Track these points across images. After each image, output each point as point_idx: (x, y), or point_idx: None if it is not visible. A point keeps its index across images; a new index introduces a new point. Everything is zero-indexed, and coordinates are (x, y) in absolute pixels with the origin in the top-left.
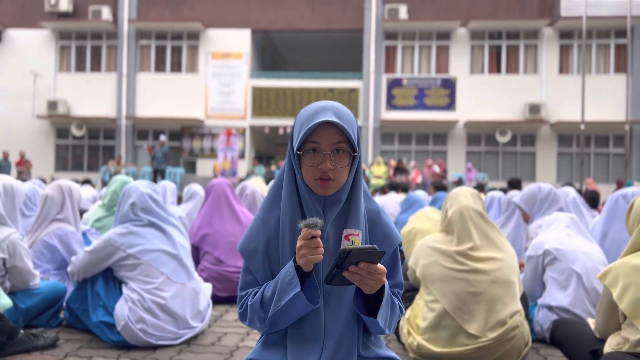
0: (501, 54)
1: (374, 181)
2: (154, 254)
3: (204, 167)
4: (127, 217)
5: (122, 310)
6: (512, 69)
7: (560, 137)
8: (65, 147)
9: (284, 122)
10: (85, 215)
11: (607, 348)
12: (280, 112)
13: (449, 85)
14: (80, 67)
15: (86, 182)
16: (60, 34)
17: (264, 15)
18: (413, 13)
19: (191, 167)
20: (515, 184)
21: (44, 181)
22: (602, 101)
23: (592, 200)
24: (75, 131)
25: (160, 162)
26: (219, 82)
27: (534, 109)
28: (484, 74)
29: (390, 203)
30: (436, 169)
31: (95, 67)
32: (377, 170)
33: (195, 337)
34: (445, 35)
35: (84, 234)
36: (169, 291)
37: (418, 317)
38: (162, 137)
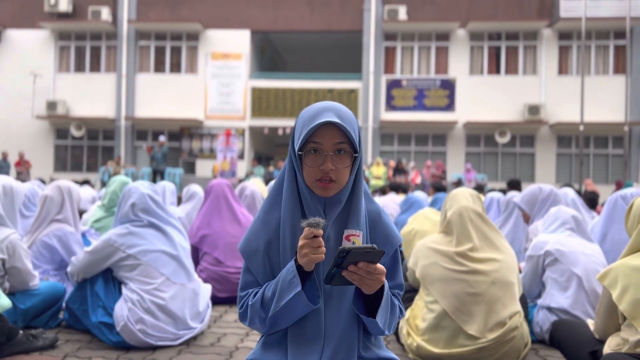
0: (500, 55)
1: (373, 182)
2: (154, 255)
3: (203, 167)
4: (127, 218)
5: (122, 310)
6: (512, 70)
7: (560, 138)
8: (64, 148)
9: (283, 123)
10: (84, 216)
11: (607, 349)
12: (279, 112)
13: (448, 86)
14: (79, 68)
15: (85, 182)
16: (59, 34)
17: (263, 16)
18: (412, 14)
19: (190, 168)
20: (514, 185)
21: (43, 182)
22: (601, 102)
23: (591, 201)
24: (74, 132)
25: (159, 162)
26: (218, 83)
27: (533, 109)
28: (483, 74)
29: (389, 204)
30: (433, 171)
31: (95, 67)
32: (376, 171)
33: (194, 337)
34: (444, 36)
35: (83, 235)
36: (169, 292)
37: (417, 318)
38: (162, 138)
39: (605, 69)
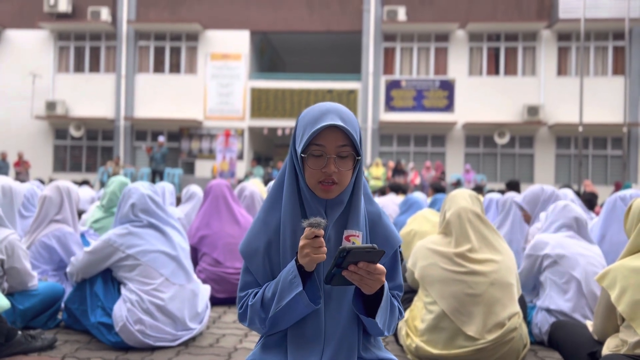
0: (499, 56)
1: (372, 182)
2: (153, 255)
3: (203, 168)
4: (127, 218)
5: (121, 311)
6: (511, 70)
7: (559, 138)
8: (63, 148)
9: (282, 124)
10: (83, 216)
11: (605, 350)
12: (279, 113)
13: (448, 86)
14: (79, 68)
15: (84, 182)
16: (59, 34)
17: (263, 16)
18: (412, 15)
19: (190, 168)
20: (513, 186)
21: (42, 182)
22: (600, 103)
23: (589, 202)
24: (73, 132)
25: (158, 163)
26: (217, 83)
27: (532, 110)
28: (482, 75)
29: (389, 204)
30: (432, 172)
31: (94, 67)
32: (375, 172)
33: (193, 338)
34: (443, 37)
35: (82, 235)
36: (168, 292)
37: (416, 319)
38: (161, 138)
39: (604, 70)
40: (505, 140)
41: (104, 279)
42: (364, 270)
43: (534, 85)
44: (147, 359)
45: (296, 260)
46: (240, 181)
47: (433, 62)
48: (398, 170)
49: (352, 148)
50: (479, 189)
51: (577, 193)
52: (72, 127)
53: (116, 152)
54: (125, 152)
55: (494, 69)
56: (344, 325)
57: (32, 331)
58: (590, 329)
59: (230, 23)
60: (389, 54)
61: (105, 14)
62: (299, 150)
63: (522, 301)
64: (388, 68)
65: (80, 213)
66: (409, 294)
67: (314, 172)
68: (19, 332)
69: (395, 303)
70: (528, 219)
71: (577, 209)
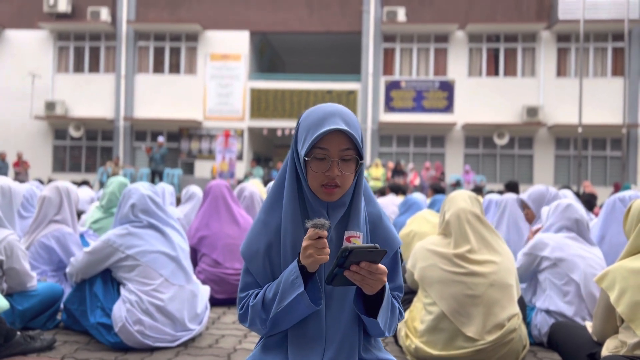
0: (499, 57)
1: (371, 183)
2: (153, 256)
3: (202, 168)
4: (127, 219)
5: (120, 311)
6: (510, 71)
7: (558, 139)
8: (63, 148)
9: (282, 124)
10: (82, 217)
11: (605, 351)
12: (278, 113)
13: (447, 87)
14: (78, 68)
15: (84, 183)
16: (58, 34)
17: (262, 17)
18: (411, 16)
19: (189, 169)
20: (512, 187)
21: (41, 182)
22: (600, 104)
23: (588, 203)
24: (73, 132)
25: (158, 163)
26: (217, 84)
27: (532, 111)
28: (482, 76)
29: (389, 205)
30: (432, 172)
31: (94, 68)
32: (375, 172)
33: (192, 339)
34: (443, 38)
35: (82, 236)
36: (167, 293)
37: (416, 319)
38: (160, 139)
39: (603, 71)
40: (504, 141)
41: (104, 280)
42: (365, 270)
43: (534, 86)
44: None
45: (298, 261)
46: (239, 182)
47: (433, 62)
48: (397, 171)
49: (355, 151)
50: (478, 190)
51: (577, 194)
52: (71, 128)
53: (115, 153)
54: (125, 153)
55: (493, 70)
56: (345, 326)
57: (31, 332)
58: (590, 330)
59: (229, 23)
60: (388, 55)
61: (104, 14)
62: (302, 153)
63: (521, 302)
64: (388, 69)
65: (79, 213)
66: (408, 295)
67: (317, 176)
68: (18, 333)
69: (396, 304)
70: (531, 217)
71: (580, 209)
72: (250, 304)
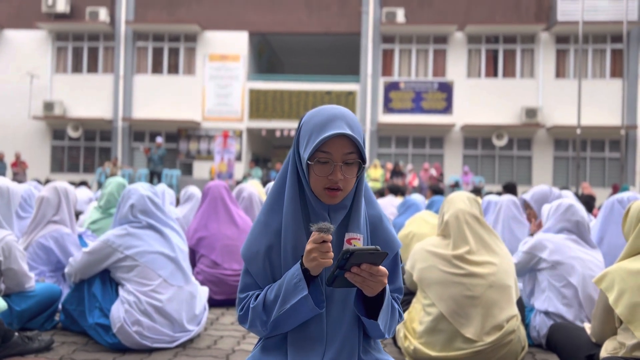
0: (498, 58)
1: (370, 184)
2: (152, 256)
3: (201, 169)
4: (126, 219)
5: (118, 312)
6: (509, 73)
7: (557, 141)
8: (61, 149)
9: (281, 125)
10: (80, 217)
11: (604, 353)
12: (277, 114)
13: (446, 88)
14: (76, 69)
15: (82, 183)
16: (57, 35)
17: (261, 17)
18: (410, 17)
19: (188, 169)
20: (510, 188)
21: (39, 182)
22: (598, 106)
23: (587, 204)
24: (71, 132)
25: (156, 164)
26: (216, 84)
27: (531, 113)
28: (480, 77)
29: (387, 206)
30: (433, 172)
31: (92, 68)
32: (373, 173)
33: (191, 340)
34: (442, 39)
35: (80, 236)
36: (166, 294)
37: (415, 321)
38: (159, 139)
39: (602, 72)
40: (503, 142)
41: (102, 280)
42: (366, 272)
43: (532, 87)
44: None
45: (301, 264)
46: (238, 182)
47: (432, 64)
48: (396, 172)
49: (357, 155)
50: (477, 191)
51: (576, 195)
52: (69, 128)
53: (114, 153)
54: (123, 153)
55: (492, 71)
56: (345, 327)
57: (29, 332)
58: (588, 331)
59: (228, 24)
60: (387, 56)
61: (103, 14)
62: (304, 156)
63: (520, 304)
64: (387, 70)
65: (77, 214)
66: (407, 296)
67: (320, 179)
68: (16, 334)
69: (396, 306)
70: (533, 217)
71: (581, 210)
72: (251, 305)
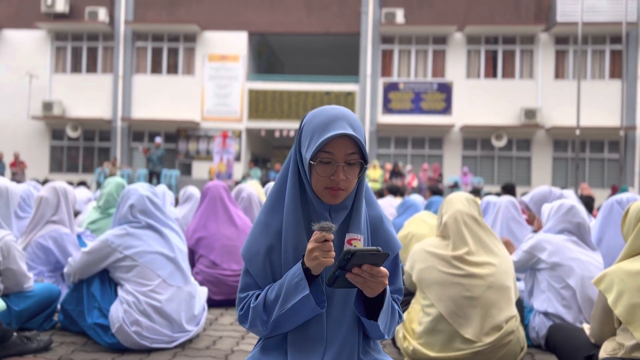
0: (497, 59)
1: (369, 185)
2: (151, 256)
3: (200, 169)
4: (126, 219)
5: (117, 312)
6: (508, 73)
7: (556, 142)
8: (60, 149)
9: (280, 125)
10: (78, 217)
11: (603, 354)
12: (276, 115)
13: (445, 89)
14: (76, 68)
15: (81, 184)
16: (56, 34)
17: (261, 18)
18: (410, 17)
19: (187, 170)
20: (508, 189)
21: (39, 182)
22: (598, 106)
23: (586, 205)
24: (70, 132)
25: (155, 164)
26: (215, 85)
27: (530, 113)
28: (480, 78)
29: (386, 207)
30: (430, 174)
31: (91, 68)
32: (372, 174)
33: (190, 340)
34: (441, 40)
35: (79, 236)
36: (165, 294)
37: (414, 321)
38: (158, 139)
39: (601, 73)
40: (502, 143)
41: (101, 280)
42: (367, 273)
43: (532, 88)
44: None
45: (302, 263)
46: (237, 183)
47: (431, 64)
48: (395, 173)
49: (360, 156)
50: (476, 192)
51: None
52: (68, 128)
53: (113, 153)
54: (122, 153)
55: (491, 72)
56: (345, 328)
57: (28, 332)
58: (587, 332)
59: (228, 24)
60: (387, 56)
61: (102, 14)
62: (307, 156)
63: (519, 304)
64: (386, 70)
65: (75, 214)
66: (405, 296)
67: (322, 179)
68: (15, 334)
69: (396, 306)
70: (533, 220)
71: (582, 212)
72: (251, 305)
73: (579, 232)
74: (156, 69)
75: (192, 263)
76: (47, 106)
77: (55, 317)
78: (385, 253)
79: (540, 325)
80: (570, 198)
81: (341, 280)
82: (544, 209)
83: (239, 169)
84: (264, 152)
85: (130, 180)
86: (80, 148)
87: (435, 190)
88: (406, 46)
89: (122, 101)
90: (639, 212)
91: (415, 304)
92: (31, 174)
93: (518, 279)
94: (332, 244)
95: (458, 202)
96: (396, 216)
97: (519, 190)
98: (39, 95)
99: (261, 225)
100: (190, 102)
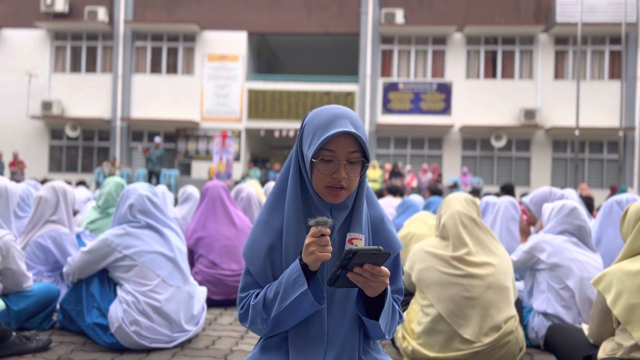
0: (497, 59)
1: (369, 185)
2: (150, 256)
3: (199, 169)
4: (125, 219)
5: (117, 312)
6: (508, 74)
7: (555, 142)
8: (59, 148)
9: (279, 125)
10: (77, 216)
11: (601, 354)
12: (276, 115)
13: (445, 89)
14: (75, 68)
15: (81, 183)
16: (55, 34)
17: (260, 17)
18: (409, 17)
19: (186, 169)
20: (507, 190)
21: (39, 182)
22: (597, 107)
23: (586, 205)
24: (69, 132)
25: (155, 164)
26: (214, 84)
27: (529, 114)
28: (479, 78)
29: (386, 207)
30: (429, 175)
31: (91, 68)
32: (372, 174)
33: (189, 340)
34: (441, 40)
35: (78, 236)
36: (164, 294)
37: (413, 321)
38: (157, 139)
39: (600, 74)
40: (502, 143)
41: (101, 280)
42: (368, 273)
43: (531, 88)
44: None
45: (300, 260)
46: (236, 183)
47: (430, 64)
48: (395, 173)
49: (361, 154)
50: (475, 192)
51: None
52: (68, 128)
53: (112, 153)
54: (122, 153)
55: (491, 72)
56: (346, 328)
57: (27, 332)
58: (586, 332)
59: (227, 24)
60: (386, 57)
61: (102, 14)
62: (308, 154)
63: (518, 304)
64: (385, 70)
65: (74, 213)
66: (405, 296)
67: (323, 177)
68: (14, 333)
69: (396, 306)
70: (533, 221)
71: (583, 214)
72: (251, 303)
73: (580, 234)
74: (155, 68)
75: (192, 263)
76: (46, 106)
77: (55, 317)
78: (386, 252)
79: (539, 325)
80: (572, 198)
81: (342, 280)
82: (545, 208)
83: (238, 169)
84: (263, 152)
85: (130, 180)
86: (79, 148)
87: (434, 190)
88: (406, 46)
89: (122, 101)
90: (638, 213)
91: (415, 304)
92: (30, 174)
93: (517, 279)
94: (329, 238)
95: (457, 203)
96: (396, 216)
97: (518, 190)
98: (38, 95)
99: (262, 224)
100: (190, 102)
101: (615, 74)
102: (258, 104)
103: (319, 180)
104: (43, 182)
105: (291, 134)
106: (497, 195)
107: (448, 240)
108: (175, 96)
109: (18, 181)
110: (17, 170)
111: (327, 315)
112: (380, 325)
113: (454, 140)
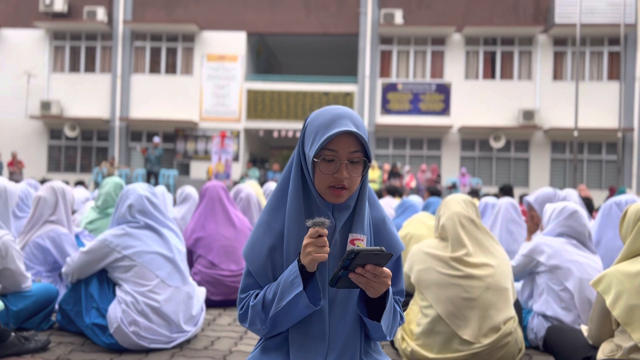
0: (496, 60)
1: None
2: (150, 257)
3: (198, 169)
4: (124, 219)
5: (115, 312)
6: (507, 75)
7: (554, 143)
8: (58, 148)
9: (278, 125)
10: (75, 216)
11: (600, 355)
12: (275, 115)
13: (444, 90)
14: (74, 68)
15: (79, 183)
16: (54, 34)
17: (259, 18)
18: (408, 18)
19: (185, 169)
20: (506, 191)
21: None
22: (596, 108)
23: (586, 206)
24: (68, 132)
25: (153, 164)
26: (213, 85)
27: (528, 115)
28: (478, 79)
29: (385, 208)
30: (428, 175)
31: (90, 67)
32: (371, 175)
33: (188, 341)
34: (440, 41)
35: (77, 236)
36: (163, 294)
37: (412, 322)
38: (156, 139)
39: (599, 75)
40: (500, 144)
41: (100, 280)
42: (370, 273)
43: (530, 89)
44: None
45: (298, 261)
46: (235, 183)
47: (429, 65)
48: (394, 173)
49: (363, 154)
50: (474, 193)
51: None
52: (66, 127)
53: (111, 153)
54: (120, 153)
55: (490, 73)
56: (348, 329)
57: (26, 332)
58: (585, 333)
59: (226, 24)
60: (385, 57)
61: (101, 14)
62: (310, 154)
63: (517, 306)
64: (384, 71)
65: (72, 213)
66: (405, 297)
67: (325, 177)
68: (12, 334)
69: (397, 308)
70: (537, 220)
71: (584, 217)
72: (251, 303)
73: (580, 237)
74: (154, 68)
75: (191, 263)
76: (45, 105)
77: (53, 317)
78: (389, 253)
79: (538, 326)
80: (573, 199)
81: (344, 280)
82: (546, 209)
83: (237, 169)
84: (262, 153)
85: (128, 180)
86: (78, 147)
87: (433, 190)
88: (405, 47)
89: (121, 101)
90: (637, 214)
91: (414, 305)
92: (29, 174)
93: (516, 280)
94: (326, 239)
95: (455, 204)
96: (395, 217)
97: (516, 191)
98: (37, 95)
99: (264, 225)
100: (189, 102)
101: (614, 74)
102: (257, 104)
103: (320, 180)
104: (42, 182)
105: (290, 134)
106: (496, 196)
107: (447, 241)
108: (174, 96)
109: (16, 181)
110: (15, 170)
111: (329, 316)
112: (382, 327)
113: (452, 141)
